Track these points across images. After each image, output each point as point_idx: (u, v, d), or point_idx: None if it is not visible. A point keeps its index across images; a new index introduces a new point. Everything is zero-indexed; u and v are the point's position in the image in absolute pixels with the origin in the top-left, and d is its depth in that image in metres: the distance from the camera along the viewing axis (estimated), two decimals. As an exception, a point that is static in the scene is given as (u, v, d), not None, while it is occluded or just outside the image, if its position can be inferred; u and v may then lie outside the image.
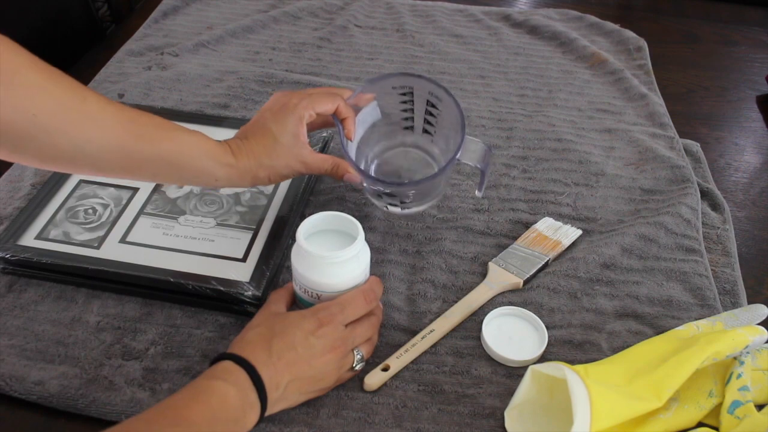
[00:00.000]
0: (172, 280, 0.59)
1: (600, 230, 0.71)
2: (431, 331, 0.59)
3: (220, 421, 0.44)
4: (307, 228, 0.54)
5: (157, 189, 0.70)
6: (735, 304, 0.64)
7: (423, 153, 0.70)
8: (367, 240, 0.56)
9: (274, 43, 1.01)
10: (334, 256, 0.52)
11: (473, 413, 0.53)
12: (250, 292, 0.59)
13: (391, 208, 0.68)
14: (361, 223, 0.54)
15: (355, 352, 0.53)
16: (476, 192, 0.66)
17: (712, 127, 0.92)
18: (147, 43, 0.99)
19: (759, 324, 0.54)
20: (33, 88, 0.48)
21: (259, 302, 0.59)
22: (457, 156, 0.61)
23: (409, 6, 1.12)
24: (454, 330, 0.60)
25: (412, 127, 0.68)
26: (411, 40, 1.03)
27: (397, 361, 0.56)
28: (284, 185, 0.71)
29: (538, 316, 0.60)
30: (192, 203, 0.69)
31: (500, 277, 0.64)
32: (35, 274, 0.62)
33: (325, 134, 0.78)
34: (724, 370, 0.53)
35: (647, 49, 1.03)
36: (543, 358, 0.58)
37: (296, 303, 0.57)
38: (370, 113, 0.66)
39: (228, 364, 0.47)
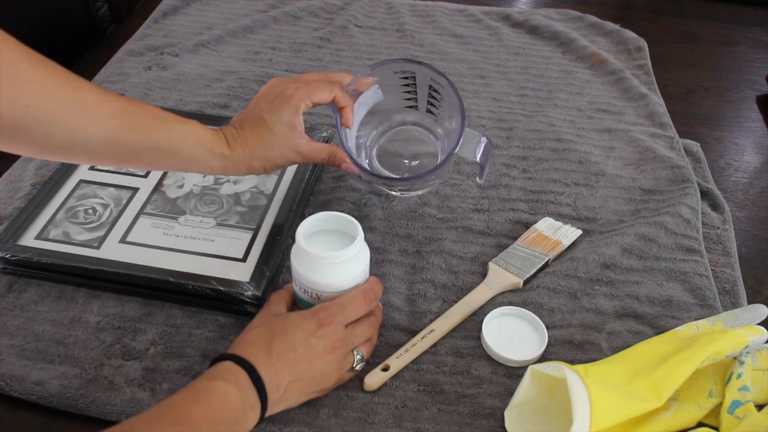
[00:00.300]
0: (172, 280, 0.59)
1: (600, 230, 0.71)
2: (431, 331, 0.59)
3: (221, 420, 0.44)
4: (307, 228, 0.54)
5: (157, 189, 0.70)
6: (735, 304, 0.64)
7: (426, 131, 0.70)
8: (367, 240, 0.56)
9: (274, 43, 1.01)
10: (333, 256, 0.52)
11: (473, 413, 0.53)
12: (250, 292, 0.59)
13: (391, 192, 0.68)
14: (360, 223, 0.54)
15: (355, 353, 0.53)
16: (477, 179, 0.66)
17: (712, 127, 0.92)
18: (147, 43, 0.99)
19: (759, 324, 0.54)
20: (26, 79, 0.48)
21: (259, 302, 0.59)
22: (456, 150, 0.61)
23: (409, 6, 1.12)
24: (454, 330, 0.60)
25: (415, 107, 0.68)
26: (411, 40, 1.03)
27: (397, 361, 0.56)
28: (284, 185, 0.71)
29: (538, 316, 0.60)
30: (192, 203, 0.69)
31: (500, 277, 0.64)
32: (35, 274, 0.62)
33: (325, 134, 0.78)
34: (724, 370, 0.53)
35: (647, 49, 1.03)
36: (543, 358, 0.58)
37: (296, 303, 0.57)
38: (371, 96, 0.66)
39: (228, 365, 0.47)
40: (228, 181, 0.71)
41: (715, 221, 0.73)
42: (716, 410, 0.52)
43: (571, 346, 0.59)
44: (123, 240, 0.64)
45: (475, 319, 0.61)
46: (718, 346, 0.50)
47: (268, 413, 0.48)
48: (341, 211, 0.56)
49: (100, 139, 0.52)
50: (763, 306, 0.57)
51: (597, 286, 0.64)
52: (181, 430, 0.43)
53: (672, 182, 0.77)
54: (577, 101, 0.91)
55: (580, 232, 0.70)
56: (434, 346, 0.59)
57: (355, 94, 0.64)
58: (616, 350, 0.57)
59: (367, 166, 0.67)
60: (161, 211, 0.67)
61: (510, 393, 0.53)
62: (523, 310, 0.61)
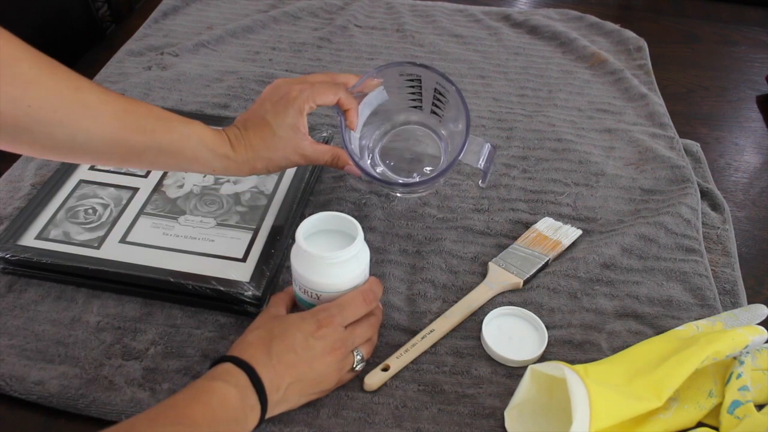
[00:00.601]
0: (172, 280, 0.59)
1: (600, 230, 0.71)
2: (431, 331, 0.59)
3: (221, 420, 0.44)
4: (307, 228, 0.54)
5: (157, 189, 0.70)
6: (735, 304, 0.64)
7: (429, 131, 0.70)
8: (367, 240, 0.56)
9: (274, 43, 1.01)
10: (333, 256, 0.52)
11: (473, 413, 0.53)
12: (250, 292, 0.59)
13: (392, 193, 0.69)
14: (360, 223, 0.54)
15: (355, 353, 0.53)
16: (480, 182, 0.66)
17: (712, 127, 0.92)
18: (147, 43, 0.99)
19: (759, 324, 0.54)
20: (28, 79, 0.47)
21: (259, 302, 0.59)
22: (460, 157, 0.61)
23: (409, 6, 1.12)
24: (454, 330, 0.60)
25: (420, 107, 0.68)
26: (411, 40, 1.03)
27: (397, 361, 0.56)
28: (284, 185, 0.71)
29: (538, 316, 0.60)
30: (192, 203, 0.69)
31: (500, 277, 0.64)
32: (35, 274, 0.62)
33: (325, 134, 0.78)
34: (724, 370, 0.53)
35: (647, 49, 1.03)
36: (543, 358, 0.58)
37: (296, 304, 0.57)
38: (376, 96, 0.66)
39: (228, 366, 0.47)
40: (228, 181, 0.72)
41: (715, 221, 0.73)
42: (716, 410, 0.52)
43: (571, 346, 0.59)
44: (123, 240, 0.64)
45: (475, 319, 0.61)
46: (717, 346, 0.50)
47: (268, 415, 0.48)
48: (341, 211, 0.56)
49: (102, 139, 0.52)
50: (763, 306, 0.57)
51: (597, 286, 0.64)
52: (181, 429, 0.43)
53: (672, 182, 0.77)
54: (577, 101, 0.91)
55: (580, 232, 0.70)
56: (434, 346, 0.59)
57: (360, 96, 0.64)
58: (616, 350, 0.57)
59: (369, 167, 0.67)
60: (161, 211, 0.67)
61: (510, 393, 0.53)
62: (523, 310, 0.61)
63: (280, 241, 0.65)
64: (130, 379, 0.54)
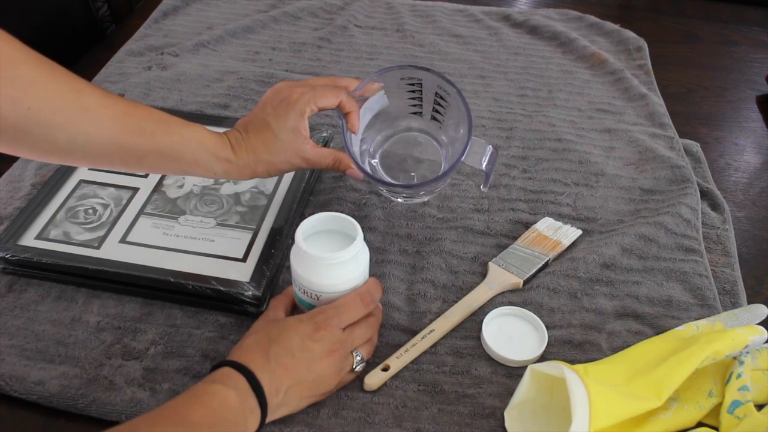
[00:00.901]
0: (172, 280, 0.59)
1: (600, 230, 0.71)
2: (431, 331, 0.59)
3: (221, 422, 0.44)
4: (306, 229, 0.54)
5: (157, 189, 0.70)
6: (735, 304, 0.64)
7: (430, 138, 0.70)
8: (367, 240, 0.56)
9: (274, 43, 1.01)
10: (332, 257, 0.52)
11: (473, 413, 0.53)
12: (250, 292, 0.59)
13: (394, 199, 0.68)
14: (360, 223, 0.54)
15: (355, 354, 0.53)
16: (481, 187, 0.66)
17: (712, 127, 0.92)
18: (147, 43, 0.99)
19: (759, 324, 0.54)
20: (28, 81, 0.47)
21: (259, 302, 0.59)
22: (463, 158, 0.61)
23: (409, 6, 1.12)
24: (454, 330, 0.60)
25: (420, 113, 0.68)
26: (411, 40, 1.03)
27: (397, 361, 0.56)
28: (284, 185, 0.71)
29: (538, 316, 0.60)
30: (192, 203, 0.69)
31: (500, 277, 0.64)
32: (35, 274, 0.62)
33: (325, 134, 0.78)
34: (724, 370, 0.53)
35: (647, 49, 1.03)
36: (543, 358, 0.58)
37: (296, 306, 0.57)
38: (377, 101, 0.66)
39: (227, 370, 0.47)
40: (228, 181, 0.72)
41: (715, 221, 0.74)
42: (716, 410, 0.52)
43: (571, 346, 0.59)
44: (123, 240, 0.64)
45: (475, 319, 0.61)
46: (717, 345, 0.50)
47: (269, 418, 0.48)
48: (341, 211, 0.56)
49: (102, 143, 0.52)
50: (763, 306, 0.57)
51: (597, 286, 0.64)
52: (182, 430, 0.43)
53: (672, 182, 0.77)
54: (577, 101, 0.91)
55: (580, 232, 0.70)
56: (434, 346, 0.59)
57: (361, 100, 0.64)
58: (616, 350, 0.57)
59: (370, 172, 0.67)
60: (161, 211, 0.67)
61: (510, 393, 0.53)
62: (523, 310, 0.61)
63: (280, 241, 0.65)
64: (130, 379, 0.54)
